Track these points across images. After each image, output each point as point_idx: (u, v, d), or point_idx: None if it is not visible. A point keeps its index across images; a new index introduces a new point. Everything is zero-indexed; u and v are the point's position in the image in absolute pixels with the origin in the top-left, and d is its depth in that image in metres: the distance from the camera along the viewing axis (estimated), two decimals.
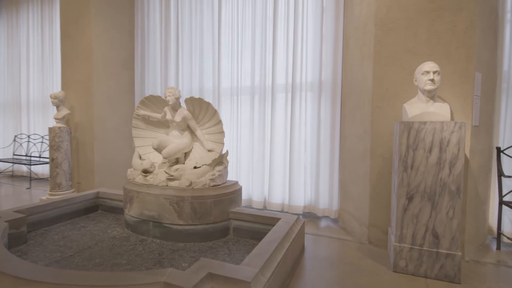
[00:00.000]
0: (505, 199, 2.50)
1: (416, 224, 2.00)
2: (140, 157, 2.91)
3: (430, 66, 1.98)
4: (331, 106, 3.12)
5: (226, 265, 1.56)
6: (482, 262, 2.24)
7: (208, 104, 2.58)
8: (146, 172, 2.62)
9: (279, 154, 3.35)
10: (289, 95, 3.28)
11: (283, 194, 3.35)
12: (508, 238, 2.37)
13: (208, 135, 2.71)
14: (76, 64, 3.97)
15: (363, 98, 2.63)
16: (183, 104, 2.76)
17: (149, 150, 2.90)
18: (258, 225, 2.50)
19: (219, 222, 2.51)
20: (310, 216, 3.30)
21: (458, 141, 1.89)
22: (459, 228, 1.91)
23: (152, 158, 2.84)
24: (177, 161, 2.75)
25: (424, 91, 2.02)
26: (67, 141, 3.79)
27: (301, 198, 3.26)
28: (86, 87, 3.90)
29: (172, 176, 2.49)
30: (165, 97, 2.60)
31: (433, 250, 1.96)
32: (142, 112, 2.86)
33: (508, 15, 2.51)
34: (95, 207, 3.27)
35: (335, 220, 3.17)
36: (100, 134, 3.96)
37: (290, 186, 3.29)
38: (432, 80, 1.96)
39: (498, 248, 2.44)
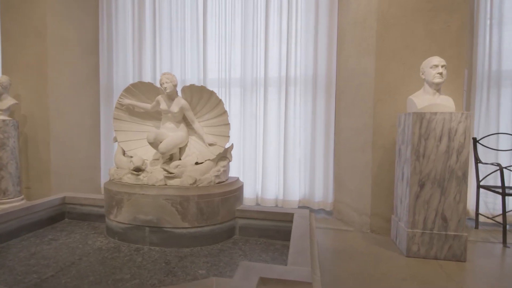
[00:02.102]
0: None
1: (427, 209, 2.12)
2: (124, 154, 2.51)
3: (438, 60, 2.10)
4: (324, 99, 3.14)
5: (274, 266, 1.41)
6: (470, 240, 2.48)
7: (212, 93, 2.34)
8: (138, 170, 2.26)
9: (273, 149, 3.25)
10: (283, 87, 3.20)
11: (277, 190, 3.27)
12: (487, 217, 2.68)
13: (209, 127, 2.46)
14: (23, 43, 3.26)
15: (363, 91, 2.69)
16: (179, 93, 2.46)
17: (135, 146, 2.53)
18: (267, 222, 2.37)
19: (226, 221, 2.31)
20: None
21: (464, 131, 2.04)
22: (464, 211, 2.07)
23: (140, 154, 2.47)
24: (171, 157, 2.45)
25: (432, 84, 2.14)
26: (14, 137, 3.09)
27: (296, 193, 3.22)
28: (38, 72, 3.23)
29: (173, 173, 2.20)
30: (161, 84, 2.28)
31: (442, 233, 2.10)
32: (127, 101, 2.47)
33: (481, 21, 2.83)
34: (60, 216, 2.73)
35: (329, 212, 3.21)
36: (57, 129, 3.33)
37: (284, 181, 3.22)
38: (441, 74, 2.09)
39: (477, 227, 2.75)
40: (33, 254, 2.01)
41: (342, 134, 3.04)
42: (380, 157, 2.58)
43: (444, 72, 2.10)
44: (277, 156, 3.26)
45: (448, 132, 2.06)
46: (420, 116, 2.09)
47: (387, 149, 2.56)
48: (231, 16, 3.29)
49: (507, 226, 2.60)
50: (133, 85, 2.44)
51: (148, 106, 2.48)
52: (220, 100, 2.34)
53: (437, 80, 2.10)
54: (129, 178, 2.29)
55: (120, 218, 2.23)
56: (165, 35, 3.47)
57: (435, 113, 2.07)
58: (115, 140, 2.59)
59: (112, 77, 3.65)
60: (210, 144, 2.41)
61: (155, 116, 2.58)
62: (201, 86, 2.34)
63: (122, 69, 3.62)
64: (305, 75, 3.18)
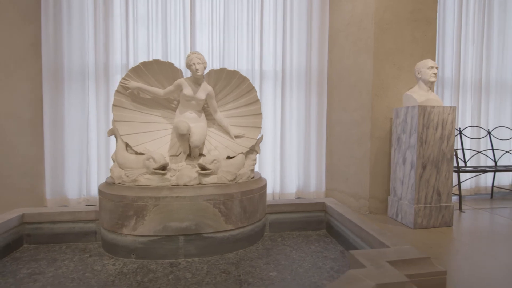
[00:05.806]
0: None
1: (427, 187, 2.53)
2: (127, 149, 2.01)
3: (433, 62, 2.53)
4: (317, 94, 3.29)
5: (383, 250, 1.43)
6: None
7: (244, 79, 2.12)
8: (163, 169, 1.85)
9: (269, 143, 3.19)
10: (278, 82, 3.18)
11: (274, 184, 3.23)
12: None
13: (232, 118, 2.23)
14: None
15: (360, 88, 2.97)
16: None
17: (143, 140, 2.06)
18: (295, 215, 2.34)
19: (262, 218, 2.16)
20: None
21: (452, 121, 2.53)
22: (451, 185, 2.58)
23: (152, 149, 2.02)
24: (189, 153, 2.11)
25: (427, 82, 2.56)
26: None
27: (293, 185, 3.26)
28: None
29: (210, 170, 1.89)
30: (190, 65, 1.92)
31: (437, 205, 2.55)
32: (135, 84, 1.97)
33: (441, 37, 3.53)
34: (17, 241, 1.96)
35: None
36: None
37: (281, 174, 3.22)
38: (435, 74, 2.52)
39: None
40: None
41: (335, 128, 3.26)
42: (376, 146, 2.90)
43: (437, 72, 2.55)
44: (273, 150, 3.22)
45: (442, 122, 2.51)
46: (423, 109, 2.47)
47: (382, 139, 2.90)
48: (225, 1, 3.03)
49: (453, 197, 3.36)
50: (144, 64, 1.97)
51: (160, 91, 2.05)
52: (253, 88, 2.16)
53: (433, 79, 2.53)
54: (148, 180, 1.84)
55: (141, 230, 1.78)
56: (141, 15, 2.90)
57: (433, 107, 2.49)
58: (111, 133, 2.05)
59: (61, 56, 2.79)
60: (236, 136, 2.19)
61: (164, 104, 2.16)
62: (234, 71, 2.09)
63: (78, 48, 2.82)
64: (298, 69, 3.25)
